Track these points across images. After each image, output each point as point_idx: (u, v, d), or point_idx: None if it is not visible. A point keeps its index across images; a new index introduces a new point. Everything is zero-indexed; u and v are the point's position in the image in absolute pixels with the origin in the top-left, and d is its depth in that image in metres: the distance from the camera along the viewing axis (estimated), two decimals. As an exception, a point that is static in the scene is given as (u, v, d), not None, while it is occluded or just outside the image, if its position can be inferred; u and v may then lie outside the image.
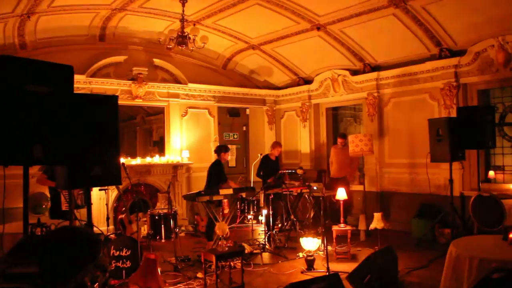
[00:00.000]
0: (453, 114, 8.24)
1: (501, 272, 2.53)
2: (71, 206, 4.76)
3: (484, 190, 7.51)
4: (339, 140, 9.97)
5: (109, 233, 7.33)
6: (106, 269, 3.41)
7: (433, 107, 8.97)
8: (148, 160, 10.32)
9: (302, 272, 6.52)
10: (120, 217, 9.11)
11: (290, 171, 8.99)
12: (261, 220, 9.48)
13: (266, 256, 7.56)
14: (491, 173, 8.50)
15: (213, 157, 8.89)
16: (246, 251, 7.28)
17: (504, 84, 8.22)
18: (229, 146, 9.08)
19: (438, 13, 7.81)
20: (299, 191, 8.96)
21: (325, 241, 6.91)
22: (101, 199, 9.03)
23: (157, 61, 10.64)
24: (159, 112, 11.06)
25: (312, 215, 9.41)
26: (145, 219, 8.96)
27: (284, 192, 8.75)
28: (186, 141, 11.11)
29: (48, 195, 7.36)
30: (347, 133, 10.34)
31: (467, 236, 5.88)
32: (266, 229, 8.41)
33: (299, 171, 9.01)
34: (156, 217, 8.57)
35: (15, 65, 3.03)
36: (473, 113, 7.49)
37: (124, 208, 9.01)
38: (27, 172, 3.24)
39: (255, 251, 7.68)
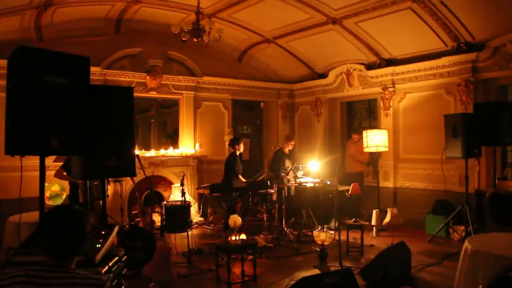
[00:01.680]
0: (470, 110, 8.14)
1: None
2: (86, 196, 4.80)
3: (500, 187, 7.42)
4: (354, 136, 9.94)
5: (123, 224, 7.38)
6: (120, 260, 3.44)
7: (449, 102, 8.87)
8: (162, 152, 10.37)
9: (314, 267, 6.51)
10: (134, 208, 9.19)
11: (303, 165, 8.97)
12: (274, 214, 9.48)
13: (278, 249, 7.57)
14: (508, 171, 8.39)
15: (227, 150, 8.89)
16: (259, 245, 7.28)
17: (522, 80, 8.11)
18: (243, 139, 9.08)
19: (456, 6, 7.68)
20: (312, 185, 8.93)
21: (339, 236, 6.89)
22: (115, 190, 9.10)
23: (172, 53, 10.65)
24: (174, 105, 11.10)
25: (325, 209, 9.37)
26: (158, 210, 9.02)
27: (298, 186, 8.73)
28: (200, 134, 11.14)
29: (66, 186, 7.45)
30: (361, 128, 10.29)
31: (483, 233, 5.82)
32: (279, 223, 8.41)
33: (310, 166, 8.99)
34: (170, 209, 8.61)
35: (32, 56, 3.04)
36: (490, 110, 7.38)
37: (138, 200, 9.08)
38: (43, 162, 3.27)
39: (268, 245, 7.69)
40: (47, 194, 8.03)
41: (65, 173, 6.49)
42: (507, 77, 8.13)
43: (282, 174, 8.97)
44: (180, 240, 7.69)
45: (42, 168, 3.28)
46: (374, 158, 10.07)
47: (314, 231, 7.48)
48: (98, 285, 2.09)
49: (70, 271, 2.11)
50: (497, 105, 7.65)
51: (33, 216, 4.60)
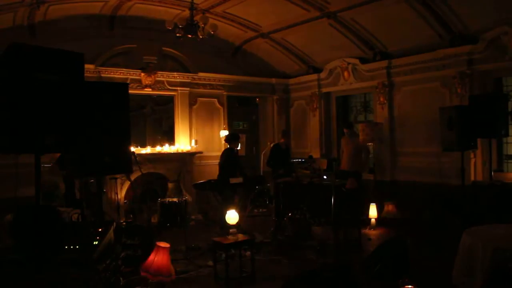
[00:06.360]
0: (465, 102, 8.12)
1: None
2: (81, 194, 4.78)
3: (496, 179, 7.44)
4: (345, 131, 9.75)
5: (120, 221, 7.36)
6: (118, 257, 3.43)
7: (444, 95, 8.87)
8: (158, 149, 10.34)
9: (312, 261, 6.51)
10: (130, 205, 9.15)
11: (300, 160, 8.95)
12: (270, 207, 9.49)
13: (276, 245, 7.56)
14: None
15: (223, 146, 8.86)
16: (256, 240, 7.28)
17: (517, 72, 8.12)
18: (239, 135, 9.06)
19: (451, -1, 7.70)
20: (309, 180, 8.91)
21: (336, 230, 6.89)
22: (111, 187, 9.06)
23: (166, 50, 10.60)
24: (169, 102, 11.06)
25: (323, 204, 9.36)
26: (155, 207, 8.99)
27: (295, 181, 8.71)
28: (195, 130, 11.12)
29: (62, 183, 7.40)
30: (357, 122, 10.25)
31: (480, 225, 5.84)
32: (276, 218, 8.40)
33: (310, 160, 8.97)
34: (167, 206, 8.60)
35: (26, 53, 3.01)
36: (486, 102, 7.38)
37: (134, 197, 9.05)
38: (38, 160, 3.24)
39: (265, 240, 7.68)
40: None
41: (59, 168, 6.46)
42: (502, 69, 8.14)
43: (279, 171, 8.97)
44: (177, 237, 7.67)
45: (38, 167, 3.25)
46: (370, 152, 10.07)
47: (312, 226, 7.48)
48: (82, 281, 2.08)
49: (52, 270, 2.10)
50: (492, 97, 7.66)
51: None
